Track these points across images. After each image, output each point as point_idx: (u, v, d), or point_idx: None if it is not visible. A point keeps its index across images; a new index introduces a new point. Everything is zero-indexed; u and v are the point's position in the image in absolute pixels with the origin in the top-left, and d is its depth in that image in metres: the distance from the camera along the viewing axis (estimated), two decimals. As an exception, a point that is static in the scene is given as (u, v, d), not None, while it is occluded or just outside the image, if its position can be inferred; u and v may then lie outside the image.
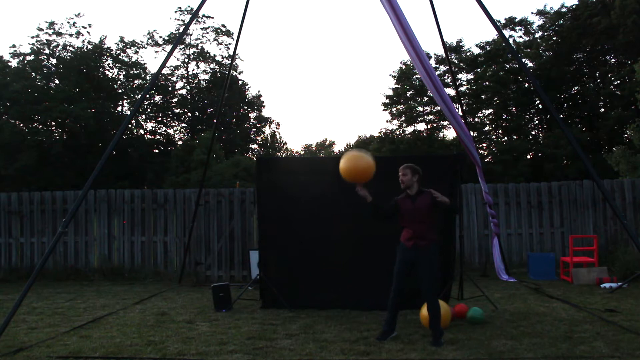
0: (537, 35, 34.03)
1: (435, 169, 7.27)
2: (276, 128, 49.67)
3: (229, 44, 40.24)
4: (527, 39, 34.32)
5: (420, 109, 35.93)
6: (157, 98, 39.71)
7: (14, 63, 34.54)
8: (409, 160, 5.98)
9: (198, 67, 40.99)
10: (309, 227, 7.26)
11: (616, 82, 30.31)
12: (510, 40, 32.47)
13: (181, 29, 38.00)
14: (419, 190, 5.60)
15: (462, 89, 33.35)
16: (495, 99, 33.45)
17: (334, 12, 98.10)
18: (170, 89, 39.85)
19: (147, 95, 35.13)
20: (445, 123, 34.44)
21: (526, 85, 31.98)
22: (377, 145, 36.93)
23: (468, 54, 34.54)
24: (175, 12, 54.00)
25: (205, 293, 8.53)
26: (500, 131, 34.89)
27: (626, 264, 8.92)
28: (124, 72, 38.27)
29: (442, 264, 6.98)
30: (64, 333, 6.03)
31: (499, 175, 27.87)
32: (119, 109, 38.58)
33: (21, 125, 33.19)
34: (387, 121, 37.83)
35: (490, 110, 34.39)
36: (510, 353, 4.97)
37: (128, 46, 38.41)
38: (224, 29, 40.24)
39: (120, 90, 38.35)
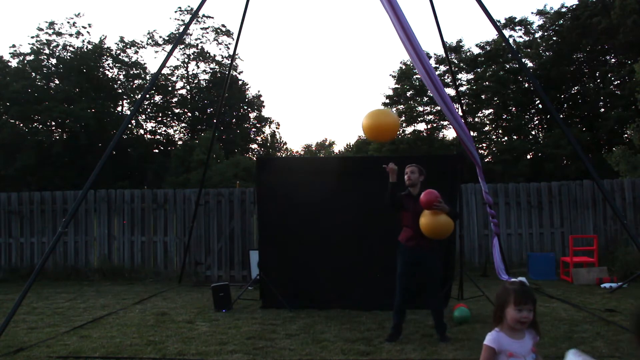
0: (537, 35, 34.02)
1: (435, 169, 7.26)
2: (276, 128, 49.77)
3: (229, 44, 40.32)
4: (527, 39, 34.32)
5: (420, 109, 35.93)
6: (157, 98, 39.74)
7: (14, 63, 34.61)
8: (409, 160, 5.97)
9: (198, 67, 41.05)
10: (309, 227, 7.25)
11: (616, 82, 30.30)
12: (510, 40, 32.46)
13: (181, 29, 38.01)
14: (421, 191, 5.57)
15: (462, 89, 33.35)
16: (495, 99, 33.45)
17: (334, 12, 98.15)
18: (170, 89, 39.87)
19: (147, 95, 35.14)
20: (445, 123, 34.45)
21: (526, 85, 31.97)
22: (377, 145, 36.92)
23: (468, 54, 34.54)
24: (175, 12, 54.11)
25: (205, 293, 8.52)
26: (500, 131, 34.88)
27: (626, 264, 8.91)
28: (124, 72, 38.30)
29: (441, 264, 7.03)
30: (64, 333, 6.03)
31: (499, 175, 27.86)
32: (119, 109, 38.60)
33: (21, 125, 33.21)
34: (387, 121, 37.77)
35: (490, 110, 34.39)
36: (510, 353, 4.97)
37: (128, 46, 38.46)
38: (224, 29, 40.32)
39: (120, 90, 38.37)
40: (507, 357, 2.58)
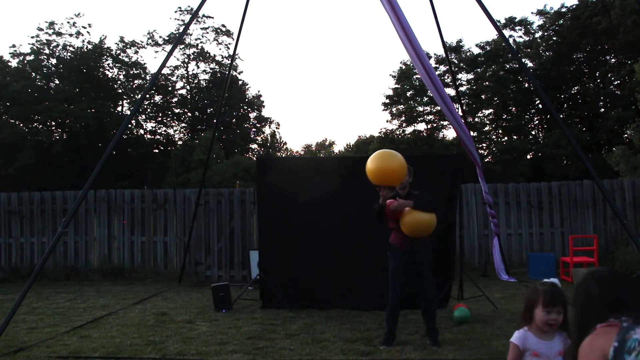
0: (537, 35, 34.01)
1: (435, 169, 7.27)
2: (276, 128, 49.78)
3: (229, 44, 40.31)
4: (527, 39, 34.30)
5: (420, 109, 35.92)
6: (157, 98, 39.73)
7: (14, 63, 34.61)
8: (410, 160, 5.95)
9: (198, 67, 41.04)
10: (309, 227, 7.25)
11: (616, 82, 30.30)
12: (510, 40, 32.45)
13: (181, 29, 38.00)
14: (409, 192, 5.47)
15: (462, 89, 33.33)
16: (495, 99, 33.44)
17: (334, 12, 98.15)
18: (170, 89, 39.86)
19: (147, 95, 35.14)
20: (445, 123, 34.44)
21: (526, 85, 31.97)
22: (377, 145, 36.89)
23: (468, 54, 34.53)
24: (175, 12, 54.13)
25: (205, 293, 8.52)
26: (500, 131, 34.87)
27: (626, 264, 8.92)
28: (124, 72, 38.30)
29: (442, 264, 7.03)
30: (64, 333, 6.03)
31: (499, 175, 27.86)
32: (119, 109, 38.59)
33: (21, 125, 33.21)
34: (387, 121, 37.94)
35: (490, 110, 34.39)
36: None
37: (128, 46, 38.45)
38: (224, 29, 40.31)
39: (120, 90, 38.37)
40: (531, 357, 2.56)
